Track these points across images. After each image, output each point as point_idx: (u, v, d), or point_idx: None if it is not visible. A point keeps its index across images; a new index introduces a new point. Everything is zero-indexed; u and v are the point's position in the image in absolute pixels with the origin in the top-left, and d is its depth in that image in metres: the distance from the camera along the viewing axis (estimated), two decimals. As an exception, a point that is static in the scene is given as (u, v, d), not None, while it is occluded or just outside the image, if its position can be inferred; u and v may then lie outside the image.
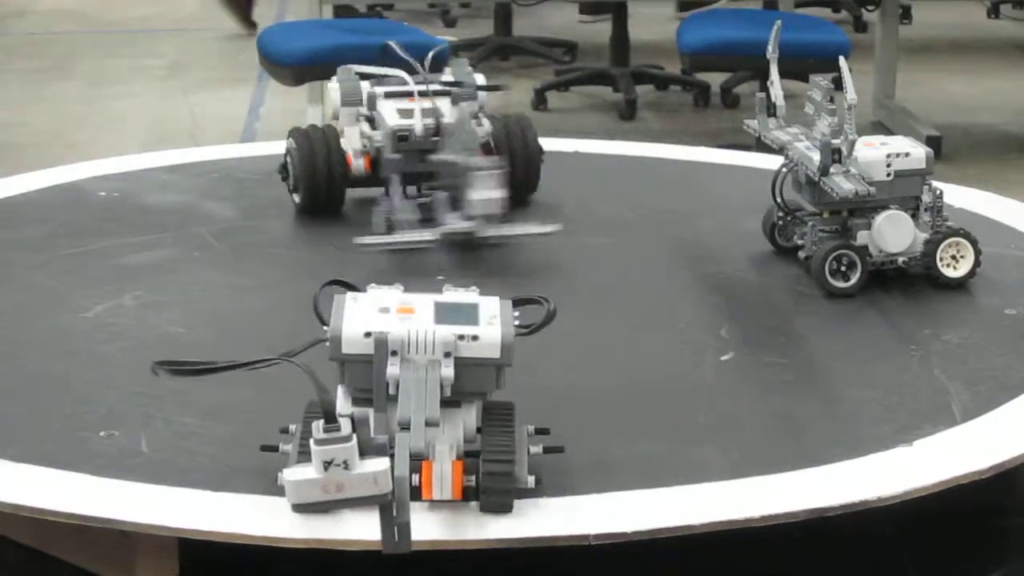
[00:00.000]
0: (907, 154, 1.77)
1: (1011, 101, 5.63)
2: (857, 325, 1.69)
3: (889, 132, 1.75)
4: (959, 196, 2.04)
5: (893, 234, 1.76)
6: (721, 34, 4.59)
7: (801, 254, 1.81)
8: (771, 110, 1.87)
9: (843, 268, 1.74)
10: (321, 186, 2.00)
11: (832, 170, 1.73)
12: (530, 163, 2.07)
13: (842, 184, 1.71)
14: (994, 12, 7.40)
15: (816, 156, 1.75)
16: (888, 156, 1.76)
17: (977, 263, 1.77)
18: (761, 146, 1.92)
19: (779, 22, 1.89)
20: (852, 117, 1.72)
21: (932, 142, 4.82)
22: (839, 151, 1.73)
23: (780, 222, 1.86)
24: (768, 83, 1.88)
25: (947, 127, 5.01)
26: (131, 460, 1.33)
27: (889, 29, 5.31)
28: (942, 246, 1.77)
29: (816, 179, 1.74)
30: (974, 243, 1.77)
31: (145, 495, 1.27)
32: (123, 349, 1.59)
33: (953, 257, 1.78)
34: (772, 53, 1.87)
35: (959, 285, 1.77)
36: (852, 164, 1.74)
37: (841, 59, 1.75)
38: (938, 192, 1.78)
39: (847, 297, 1.74)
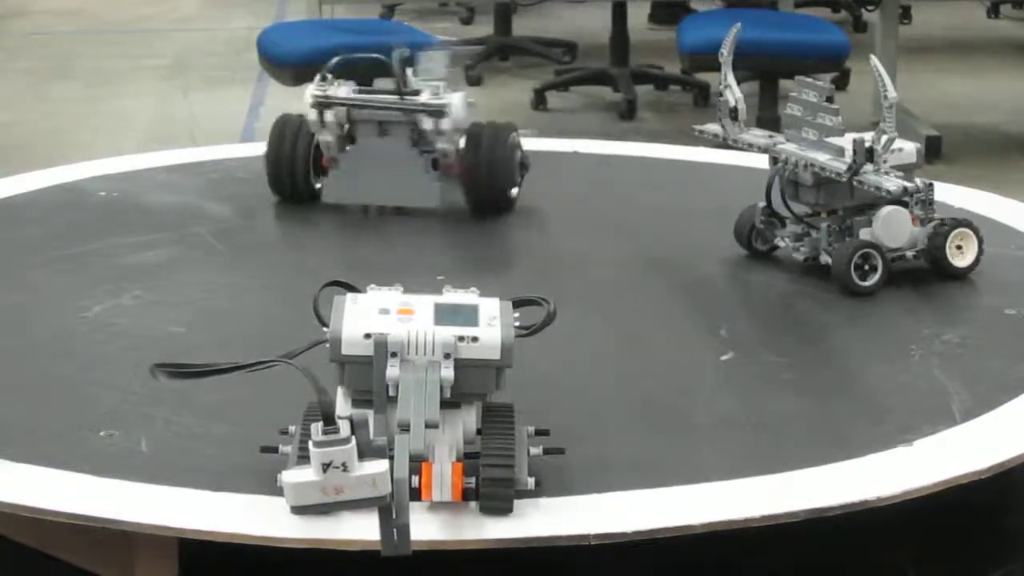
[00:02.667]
0: (900, 149, 1.78)
1: (1011, 101, 5.63)
2: (857, 325, 1.69)
3: (889, 132, 1.75)
4: (959, 196, 2.04)
5: (895, 229, 1.77)
6: (721, 34, 4.56)
7: (798, 256, 1.81)
8: (732, 114, 1.87)
9: (866, 267, 1.75)
10: (284, 172, 2.02)
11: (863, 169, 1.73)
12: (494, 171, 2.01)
13: (886, 183, 1.72)
14: (994, 12, 7.40)
15: (820, 156, 1.75)
16: (899, 151, 1.77)
17: (980, 252, 1.79)
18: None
19: (738, 25, 1.91)
20: (893, 115, 1.72)
21: (932, 142, 4.82)
22: (872, 150, 1.73)
23: (762, 224, 1.84)
24: (723, 86, 1.88)
25: (947, 127, 5.01)
26: (131, 460, 1.33)
27: (889, 29, 5.31)
28: (951, 236, 1.78)
29: (844, 178, 1.73)
30: (977, 232, 1.80)
31: (145, 495, 1.27)
32: (123, 349, 1.59)
33: (958, 247, 1.80)
34: (727, 56, 1.87)
35: (964, 275, 1.79)
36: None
37: (873, 58, 1.76)
38: (928, 184, 1.80)
39: (867, 296, 1.74)
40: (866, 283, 1.74)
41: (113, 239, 1.94)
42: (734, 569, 1.44)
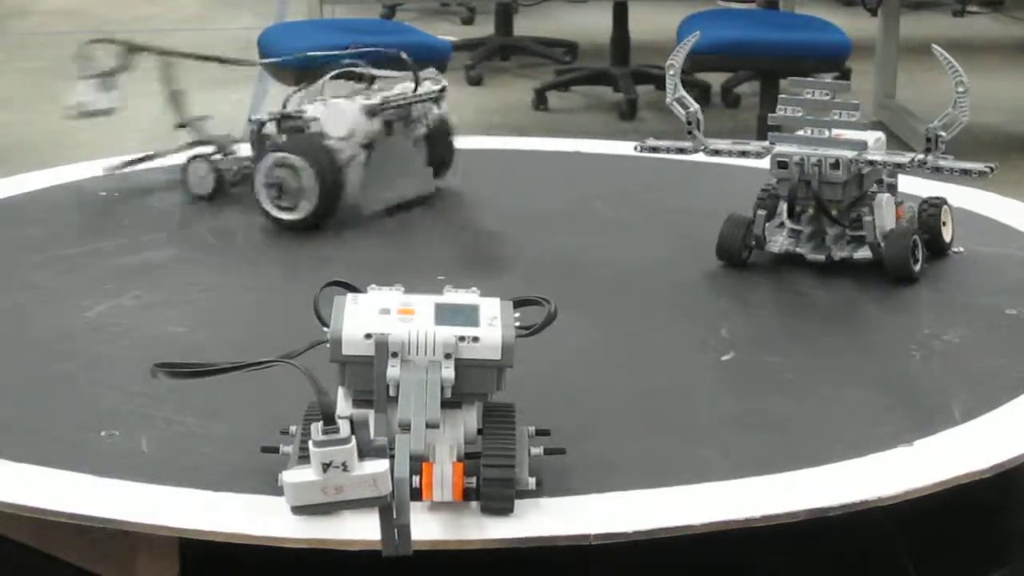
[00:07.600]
0: (877, 139, 1.84)
1: (1011, 101, 5.63)
2: (857, 325, 1.69)
3: (890, 131, 1.76)
4: (959, 196, 2.04)
5: (889, 215, 1.82)
6: (721, 34, 4.58)
7: (814, 257, 1.80)
8: (698, 124, 1.85)
9: (916, 254, 1.79)
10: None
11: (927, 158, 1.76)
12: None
13: (967, 165, 1.76)
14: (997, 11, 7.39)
15: (846, 152, 1.77)
16: (876, 141, 1.82)
17: (954, 225, 1.89)
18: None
19: (696, 34, 1.94)
20: (967, 100, 1.75)
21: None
22: (937, 137, 1.75)
23: (762, 232, 1.83)
24: (674, 97, 1.82)
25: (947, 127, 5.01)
26: (131, 460, 1.33)
27: (889, 29, 5.30)
28: (940, 213, 1.87)
29: (909, 169, 1.78)
30: (950, 207, 1.90)
31: (145, 495, 1.27)
32: (123, 349, 1.59)
33: (943, 224, 1.87)
34: (677, 66, 1.83)
35: (948, 249, 1.88)
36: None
37: (936, 47, 1.80)
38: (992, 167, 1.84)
39: (912, 282, 1.78)
40: (918, 269, 1.79)
41: (113, 239, 1.94)
42: (734, 569, 1.44)
